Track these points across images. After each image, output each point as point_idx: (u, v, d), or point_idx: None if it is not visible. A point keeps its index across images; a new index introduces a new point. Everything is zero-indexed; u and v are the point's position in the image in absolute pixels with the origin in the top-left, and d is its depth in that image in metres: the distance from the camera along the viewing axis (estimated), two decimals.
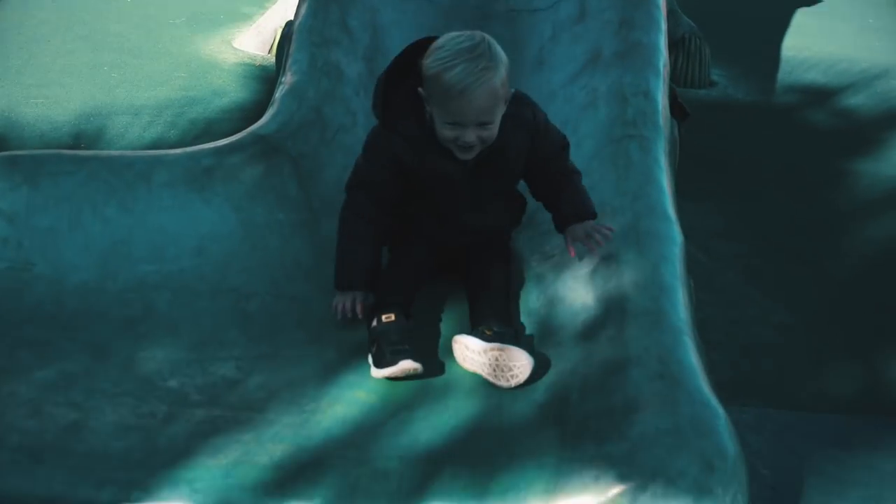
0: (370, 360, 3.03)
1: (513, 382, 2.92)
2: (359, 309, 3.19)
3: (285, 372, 3.01)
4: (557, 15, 4.23)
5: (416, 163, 3.19)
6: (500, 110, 3.09)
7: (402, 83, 3.18)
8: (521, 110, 3.21)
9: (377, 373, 2.98)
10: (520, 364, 2.92)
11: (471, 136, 3.08)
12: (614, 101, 3.80)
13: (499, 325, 3.07)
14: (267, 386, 2.95)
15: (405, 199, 3.30)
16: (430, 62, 3.05)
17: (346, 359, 3.07)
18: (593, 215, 3.24)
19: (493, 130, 3.10)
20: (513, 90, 3.13)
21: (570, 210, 3.25)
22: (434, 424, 2.81)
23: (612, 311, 3.01)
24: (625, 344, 2.86)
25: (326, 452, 2.72)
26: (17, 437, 2.71)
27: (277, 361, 3.05)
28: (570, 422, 2.72)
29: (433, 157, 3.18)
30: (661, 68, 3.90)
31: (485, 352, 2.95)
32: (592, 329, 3.00)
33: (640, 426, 2.59)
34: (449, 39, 3.06)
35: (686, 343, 2.83)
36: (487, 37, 3.06)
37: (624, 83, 3.84)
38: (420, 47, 3.15)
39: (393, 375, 2.96)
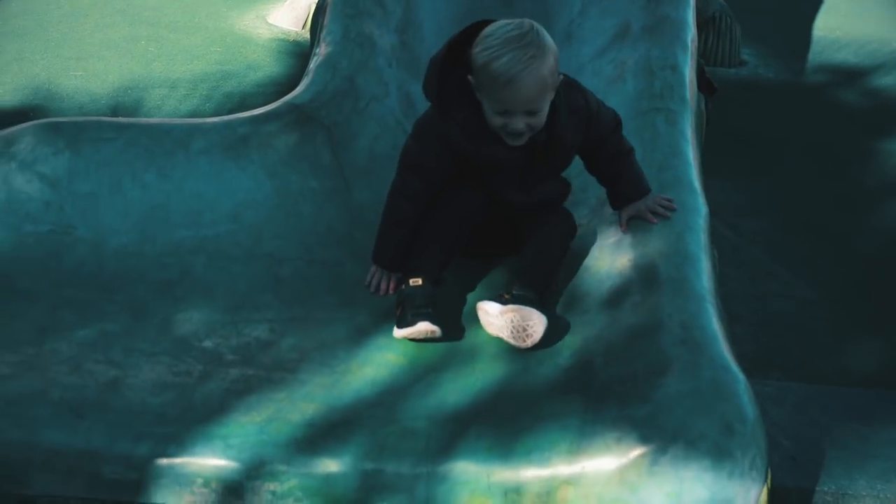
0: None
1: (529, 342, 3.00)
2: (391, 287, 3.28)
3: (317, 334, 3.10)
4: None
5: (469, 150, 3.23)
6: (549, 97, 3.12)
7: (454, 70, 3.20)
8: (574, 96, 3.25)
9: (397, 332, 3.06)
10: (532, 322, 2.99)
11: (519, 123, 3.11)
12: (642, 75, 3.85)
13: (520, 287, 3.13)
14: (299, 347, 3.04)
15: (454, 176, 3.33)
16: (478, 51, 3.08)
17: (377, 322, 3.15)
18: (648, 190, 3.32)
19: (542, 118, 3.13)
20: (561, 76, 3.16)
21: (628, 189, 3.33)
22: (461, 386, 2.89)
23: (637, 279, 3.07)
24: (649, 311, 2.92)
25: (356, 411, 2.80)
26: (58, 392, 2.81)
27: (309, 324, 3.14)
28: (594, 385, 2.78)
29: (487, 143, 3.21)
30: (689, 43, 3.94)
31: (502, 314, 3.03)
32: (618, 296, 3.05)
33: (662, 389, 2.64)
34: (498, 27, 3.09)
35: (708, 310, 2.88)
36: (536, 25, 3.09)
37: (651, 57, 3.88)
38: (471, 34, 3.17)
39: (411, 336, 3.04)
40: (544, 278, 3.24)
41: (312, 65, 3.89)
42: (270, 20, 6.90)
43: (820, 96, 6.40)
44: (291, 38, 6.56)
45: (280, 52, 6.32)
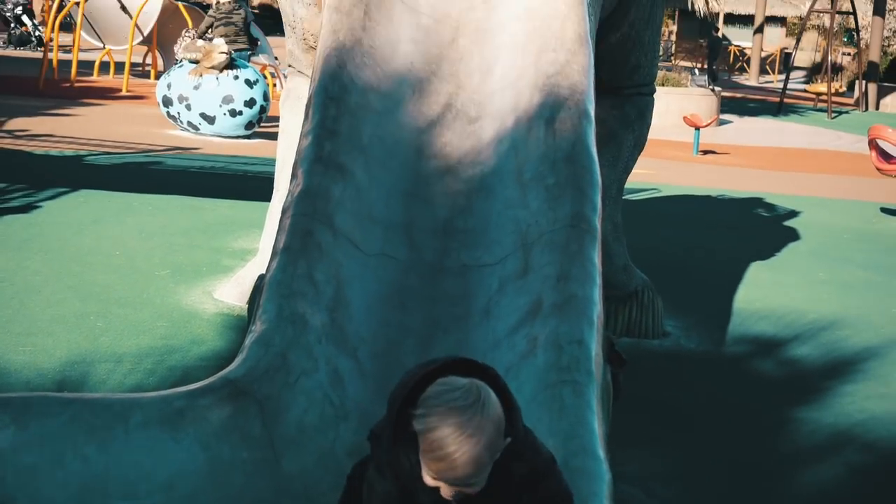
0: None
1: None
2: None
3: None
4: (504, 269, 4.58)
5: (407, 485, 2.99)
6: (486, 472, 2.86)
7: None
8: (517, 466, 2.97)
9: None
10: None
11: (449, 491, 2.88)
12: (551, 349, 4.10)
13: None
14: None
15: None
16: (419, 413, 2.85)
17: None
18: None
19: (477, 487, 2.87)
20: (507, 440, 2.89)
21: None
22: None
23: None
24: None
25: None
26: None
27: None
28: None
29: (419, 491, 2.97)
30: (595, 319, 4.23)
31: None
32: None
33: None
34: (444, 390, 2.86)
35: None
36: (483, 392, 2.86)
37: (560, 333, 4.15)
38: (437, 374, 2.93)
39: None
40: None
41: (248, 341, 4.13)
42: (216, 295, 7.19)
43: (739, 366, 6.73)
44: (236, 314, 6.83)
45: (224, 327, 6.58)
